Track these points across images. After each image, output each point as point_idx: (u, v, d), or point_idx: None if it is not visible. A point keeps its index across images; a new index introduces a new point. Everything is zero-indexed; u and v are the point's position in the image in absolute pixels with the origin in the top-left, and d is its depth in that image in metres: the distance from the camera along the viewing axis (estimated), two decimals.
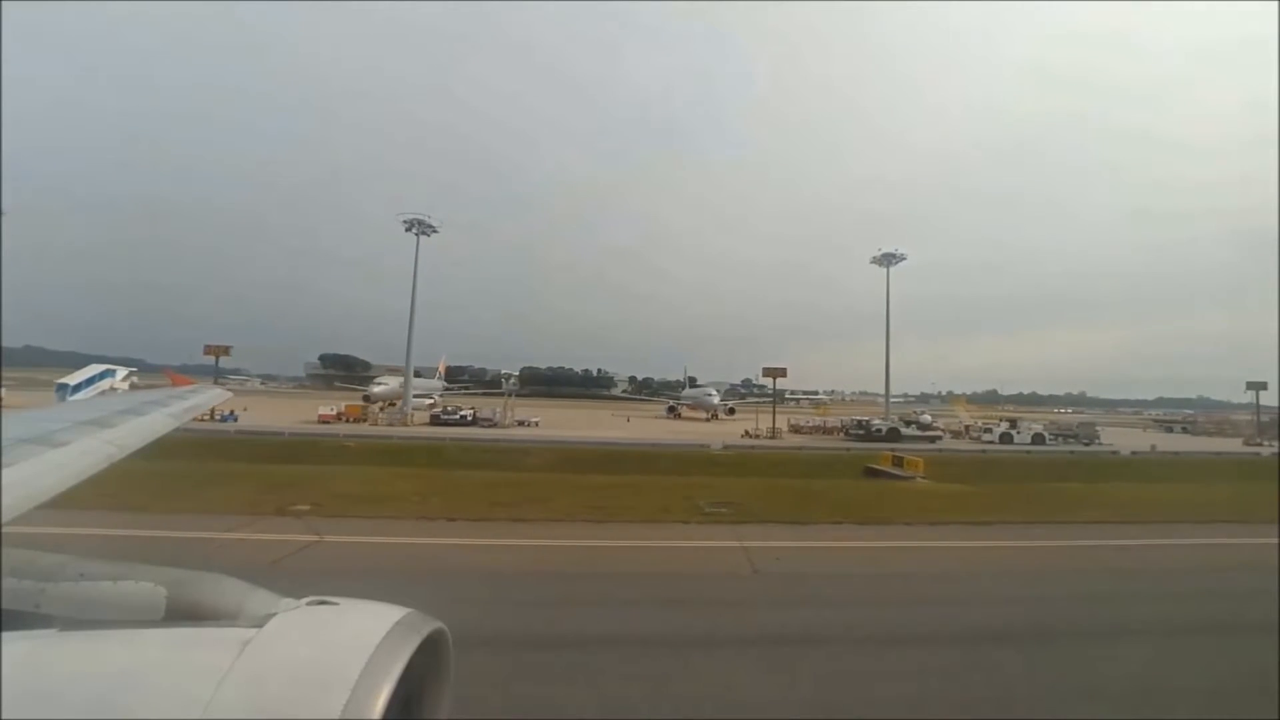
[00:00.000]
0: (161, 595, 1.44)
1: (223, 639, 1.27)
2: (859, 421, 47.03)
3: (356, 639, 1.27)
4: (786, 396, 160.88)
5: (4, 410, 2.54)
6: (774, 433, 45.12)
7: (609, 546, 12.37)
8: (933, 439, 45.52)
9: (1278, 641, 7.43)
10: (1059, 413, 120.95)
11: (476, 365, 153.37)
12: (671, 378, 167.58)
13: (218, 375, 47.35)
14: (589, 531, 13.28)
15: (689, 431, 46.67)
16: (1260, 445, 51.28)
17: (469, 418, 44.96)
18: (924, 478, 24.60)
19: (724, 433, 46.02)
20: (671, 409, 72.32)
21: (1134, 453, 40.66)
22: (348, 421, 42.58)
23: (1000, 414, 62.05)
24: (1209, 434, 64.99)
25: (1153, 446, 42.15)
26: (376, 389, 54.00)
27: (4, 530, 1.59)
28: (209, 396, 4.46)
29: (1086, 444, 45.48)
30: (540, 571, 10.69)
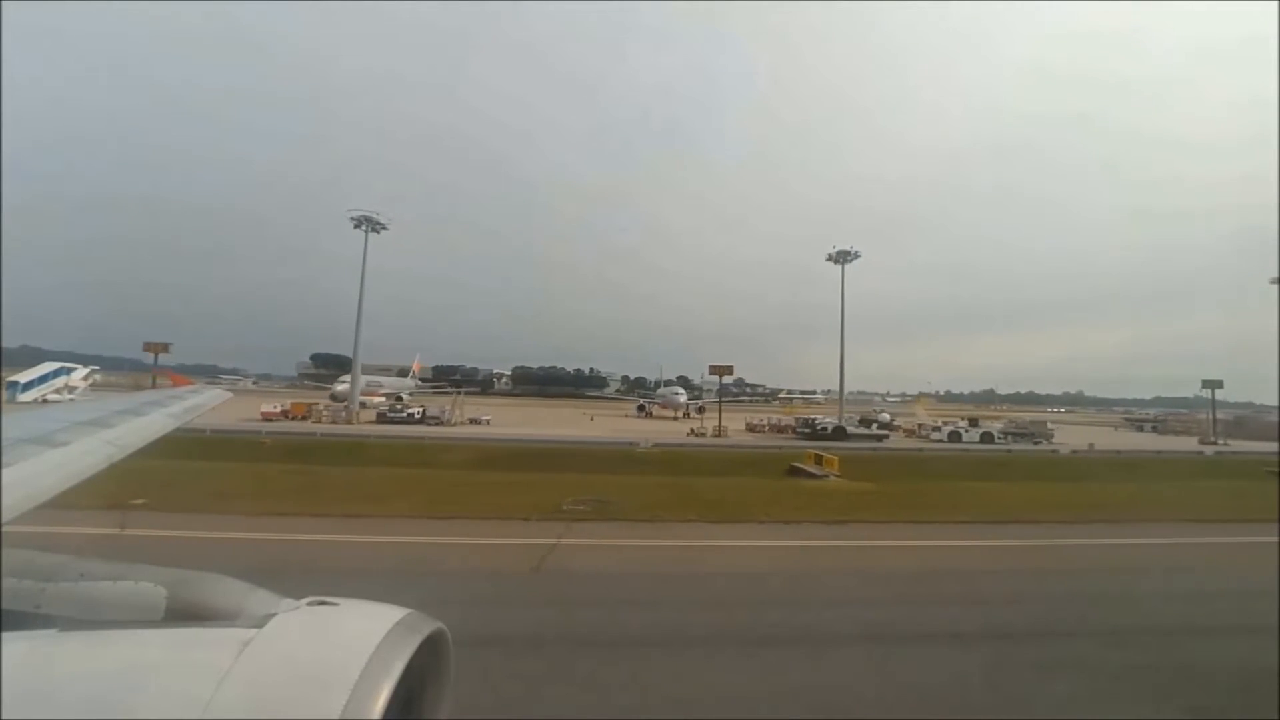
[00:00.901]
0: (161, 595, 1.45)
1: (223, 639, 1.28)
2: (805, 420, 46.98)
3: (356, 639, 1.28)
4: (779, 395, 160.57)
5: (4, 410, 2.55)
6: (719, 431, 45.20)
7: (399, 543, 12.03)
8: (880, 438, 45.37)
9: (1278, 641, 7.58)
10: (1032, 410, 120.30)
11: (469, 365, 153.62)
12: (667, 377, 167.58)
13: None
14: (406, 528, 12.94)
15: (638, 430, 46.54)
16: (1214, 444, 50.86)
17: (417, 415, 45.14)
18: (837, 476, 24.68)
19: (673, 431, 46.16)
20: (641, 408, 72.54)
21: (1074, 451, 40.53)
22: (291, 419, 42.19)
23: (964, 413, 61.83)
24: (1175, 433, 64.53)
25: (1090, 445, 41.90)
26: (339, 387, 53.91)
27: (4, 530, 1.60)
28: (209, 397, 4.49)
29: (1036, 443, 45.37)
30: (297, 563, 10.25)
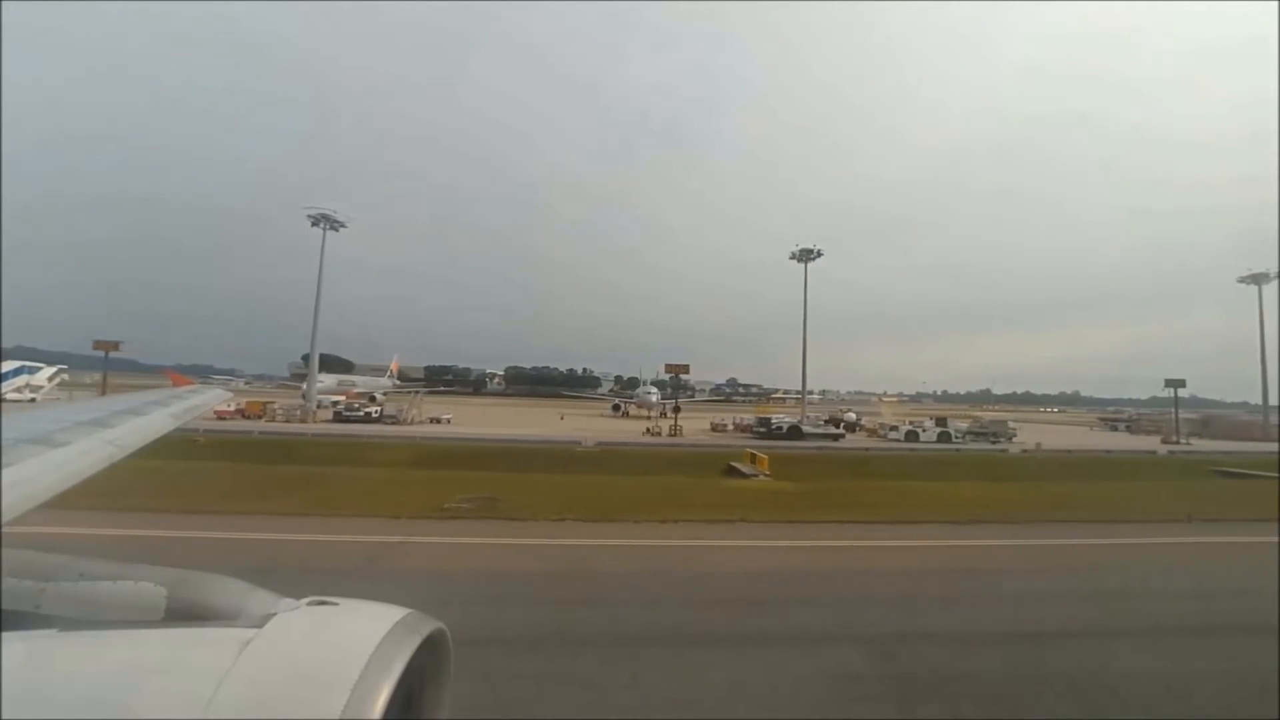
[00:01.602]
0: (161, 595, 1.44)
1: (223, 639, 1.27)
2: (762, 419, 47.06)
3: (356, 639, 1.28)
4: (772, 395, 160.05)
5: (4, 410, 2.50)
6: (674, 430, 45.44)
7: (241, 539, 11.69)
8: (837, 437, 45.46)
9: (1278, 641, 7.45)
10: (1027, 411, 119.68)
11: (462, 365, 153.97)
12: (649, 377, 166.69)
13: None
14: (263, 524, 12.73)
15: (604, 429, 46.89)
16: (1176, 443, 50.53)
17: (375, 415, 45.22)
18: (766, 475, 24.81)
19: (630, 430, 46.37)
20: (616, 407, 72.74)
21: (1024, 451, 40.49)
22: (246, 417, 41.88)
23: (946, 413, 61.67)
24: (1147, 432, 64.15)
25: (1038, 444, 41.86)
26: (306, 386, 54.67)
27: (4, 530, 1.57)
28: (209, 397, 4.48)
29: (994, 442, 45.33)
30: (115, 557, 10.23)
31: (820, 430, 45.63)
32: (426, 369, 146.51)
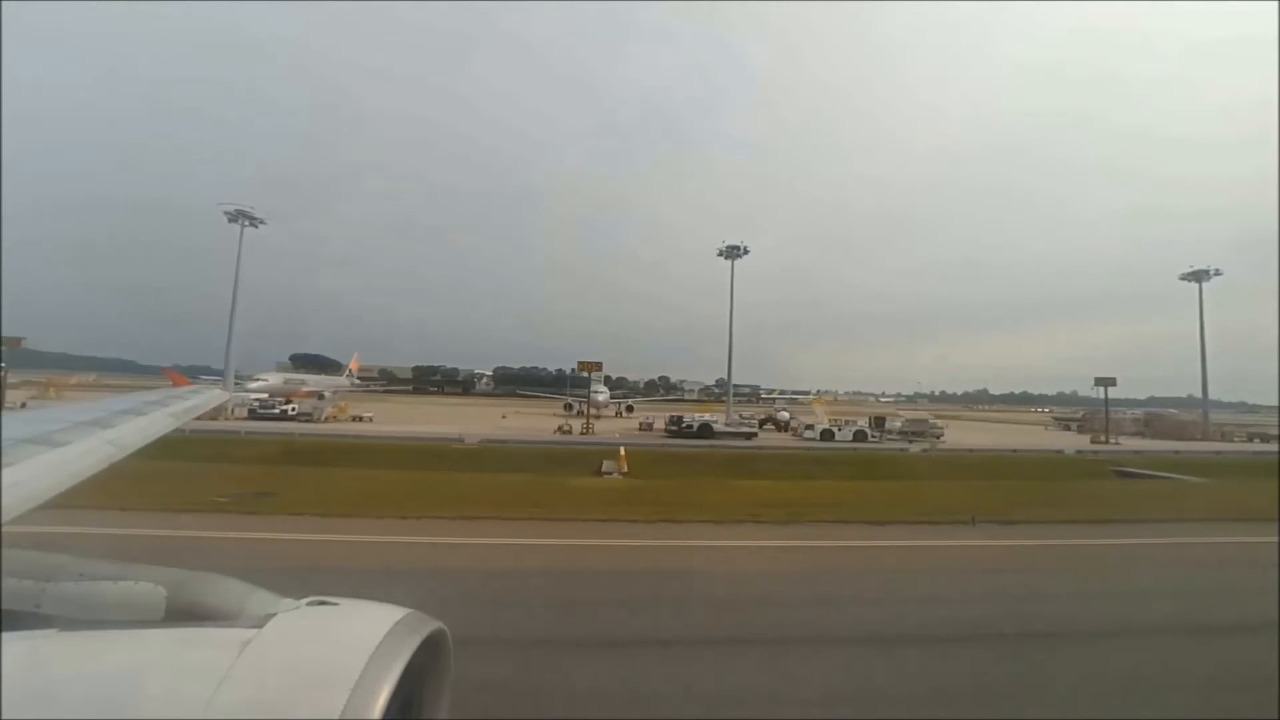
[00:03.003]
0: (161, 595, 1.43)
1: (223, 639, 1.27)
2: (675, 418, 46.78)
3: (356, 639, 1.28)
4: (763, 395, 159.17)
5: (4, 410, 2.74)
6: (587, 429, 45.36)
7: None
8: (748, 436, 45.06)
9: (1278, 641, 7.43)
10: (1021, 411, 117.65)
11: (449, 365, 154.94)
12: (648, 376, 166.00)
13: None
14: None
15: (525, 427, 46.53)
16: (1104, 443, 49.36)
17: (291, 412, 44.89)
18: (623, 474, 24.83)
19: (543, 429, 46.37)
20: (569, 406, 72.75)
21: (924, 450, 39.92)
22: None
23: (871, 411, 61.03)
24: (1095, 431, 62.89)
25: (932, 445, 41.30)
26: (252, 385, 54.91)
27: (4, 530, 1.56)
28: (209, 397, 4.44)
29: (910, 441, 44.72)
30: None
31: (733, 430, 45.30)
32: (415, 369, 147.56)
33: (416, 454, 29.68)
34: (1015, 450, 40.98)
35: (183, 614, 1.41)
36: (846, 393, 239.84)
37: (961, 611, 9.28)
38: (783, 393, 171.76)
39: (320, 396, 58.09)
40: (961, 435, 50.78)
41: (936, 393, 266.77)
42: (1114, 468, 33.30)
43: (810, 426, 46.57)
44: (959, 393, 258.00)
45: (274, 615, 1.37)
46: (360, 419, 46.73)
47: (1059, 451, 41.41)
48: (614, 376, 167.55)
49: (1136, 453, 41.59)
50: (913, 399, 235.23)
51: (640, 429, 49.41)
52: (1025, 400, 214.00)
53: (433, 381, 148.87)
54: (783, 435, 50.21)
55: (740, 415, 56.15)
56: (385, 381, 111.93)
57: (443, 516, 14.14)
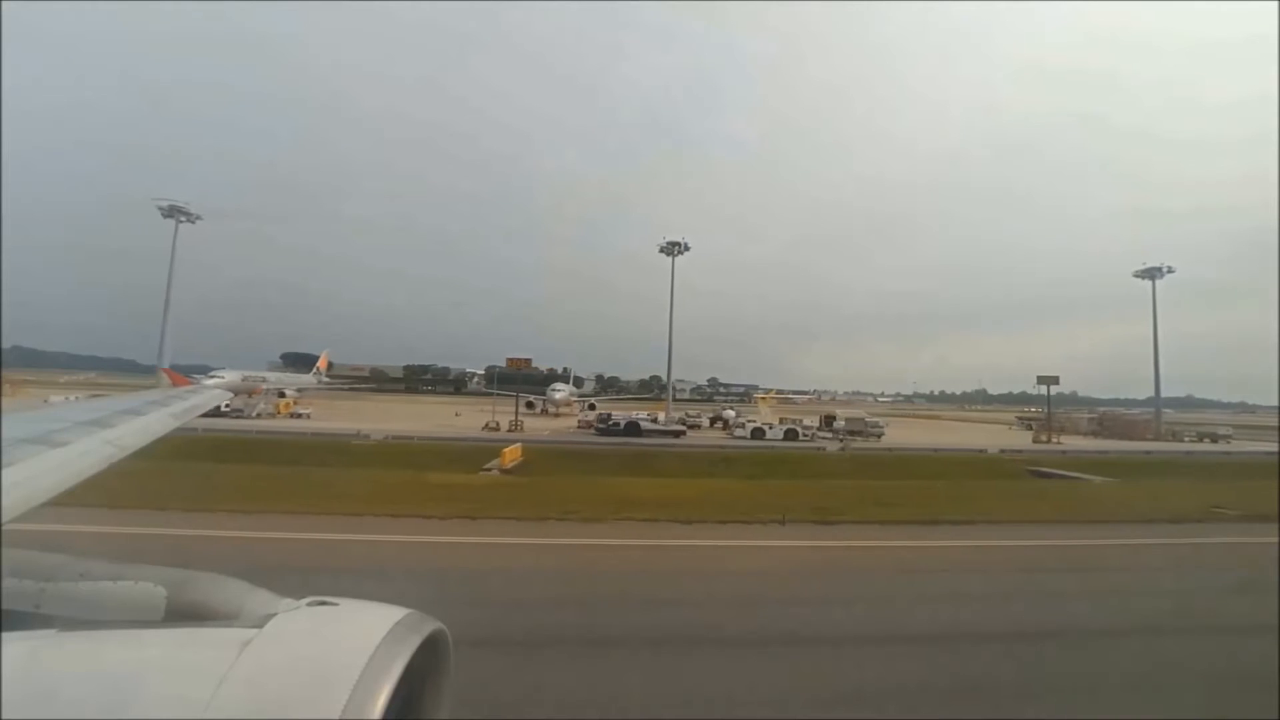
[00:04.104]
0: (161, 595, 1.41)
1: (223, 639, 1.25)
2: (602, 416, 46.51)
3: (356, 639, 1.26)
4: (755, 395, 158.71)
5: (4, 410, 2.53)
6: (514, 426, 45.06)
7: None
8: (676, 434, 44.62)
9: (1278, 641, 7.32)
10: (1018, 411, 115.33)
11: (441, 364, 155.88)
12: (641, 375, 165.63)
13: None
14: None
15: (445, 425, 46.28)
16: (1046, 442, 48.33)
17: (224, 409, 43.98)
18: (502, 471, 24.61)
19: (474, 426, 46.11)
20: (530, 404, 72.73)
21: (841, 449, 39.25)
22: None
23: (823, 410, 60.32)
24: (1038, 430, 61.80)
25: (846, 445, 40.60)
26: (208, 382, 55.78)
27: (4, 530, 1.52)
28: (209, 397, 4.40)
29: (842, 440, 44.07)
30: None
31: (660, 428, 44.92)
32: (406, 368, 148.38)
33: (309, 449, 29.64)
34: (938, 450, 40.30)
35: (183, 614, 1.39)
36: (845, 392, 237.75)
37: (672, 614, 8.63)
38: (779, 392, 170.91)
39: (280, 394, 58.43)
40: (915, 434, 50.14)
41: (935, 392, 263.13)
42: (1030, 467, 32.64)
43: (743, 425, 46.08)
44: (957, 392, 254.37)
45: (274, 615, 1.35)
46: (297, 416, 46.93)
47: (982, 450, 40.43)
48: (606, 375, 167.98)
49: (1064, 453, 40.79)
50: (910, 399, 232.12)
51: (579, 426, 49.23)
52: (1023, 400, 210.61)
53: (424, 381, 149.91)
54: (719, 433, 49.69)
55: (687, 414, 55.84)
56: (374, 381, 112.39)
57: (275, 511, 13.68)
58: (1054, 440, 48.95)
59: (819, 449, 39.46)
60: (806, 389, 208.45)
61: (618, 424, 43.48)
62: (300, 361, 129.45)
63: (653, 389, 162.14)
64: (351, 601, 1.45)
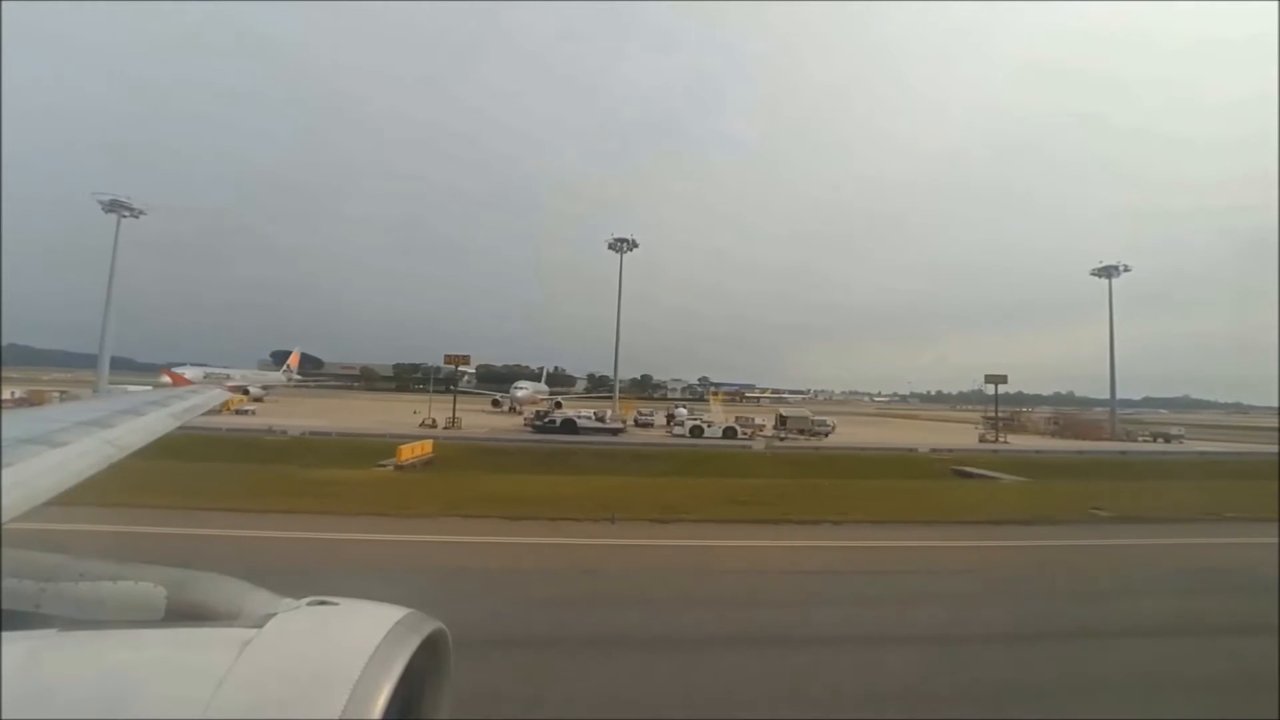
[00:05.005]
0: (161, 595, 1.38)
1: (223, 639, 1.24)
2: (540, 414, 46.29)
3: (356, 639, 1.25)
4: (750, 395, 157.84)
5: (4, 410, 2.53)
6: (451, 423, 44.85)
7: None
8: (614, 432, 44.32)
9: (1278, 641, 7.23)
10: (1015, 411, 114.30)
11: (430, 364, 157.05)
12: (635, 375, 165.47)
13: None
14: None
15: (388, 423, 46.48)
16: (994, 441, 47.43)
17: None
18: (398, 466, 24.39)
19: (474, 425, 45.15)
20: (495, 402, 72.72)
21: (769, 447, 38.72)
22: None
23: (779, 410, 59.70)
24: (1012, 430, 60.85)
25: (769, 444, 40.03)
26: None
27: (4, 530, 1.51)
28: (209, 396, 4.40)
29: (781, 439, 43.58)
30: None
31: (601, 425, 44.64)
32: (395, 367, 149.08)
33: (214, 444, 29.55)
34: (871, 448, 39.79)
35: (183, 614, 1.36)
36: (843, 392, 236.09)
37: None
38: (776, 392, 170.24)
39: (245, 391, 58.74)
40: (870, 433, 49.31)
41: (933, 392, 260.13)
42: (955, 467, 32.03)
43: (681, 424, 45.71)
44: (955, 393, 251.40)
45: (274, 615, 1.33)
46: (241, 413, 47.10)
47: (912, 450, 39.65)
48: (597, 374, 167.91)
49: (995, 452, 40.04)
50: (905, 399, 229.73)
51: (524, 424, 49.11)
52: (1020, 400, 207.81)
53: (415, 379, 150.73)
54: (659, 432, 49.33)
55: (639, 412, 55.61)
56: (364, 379, 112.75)
57: (143, 506, 13.15)
58: (1000, 439, 47.99)
59: (744, 447, 38.91)
60: (803, 389, 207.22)
61: (553, 421, 43.23)
62: (287, 359, 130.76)
63: (643, 388, 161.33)
64: (351, 601, 1.43)
